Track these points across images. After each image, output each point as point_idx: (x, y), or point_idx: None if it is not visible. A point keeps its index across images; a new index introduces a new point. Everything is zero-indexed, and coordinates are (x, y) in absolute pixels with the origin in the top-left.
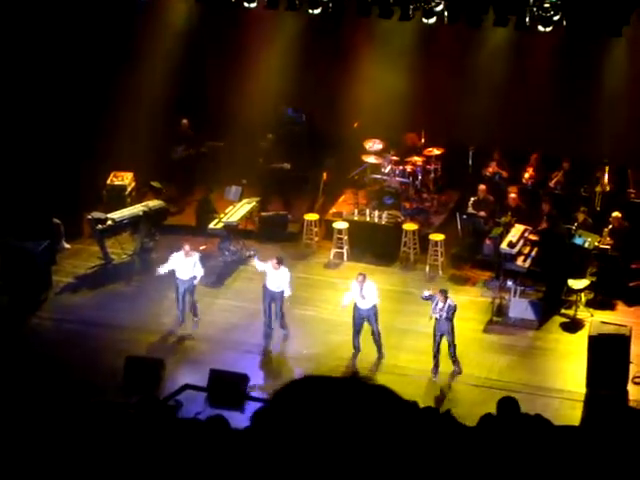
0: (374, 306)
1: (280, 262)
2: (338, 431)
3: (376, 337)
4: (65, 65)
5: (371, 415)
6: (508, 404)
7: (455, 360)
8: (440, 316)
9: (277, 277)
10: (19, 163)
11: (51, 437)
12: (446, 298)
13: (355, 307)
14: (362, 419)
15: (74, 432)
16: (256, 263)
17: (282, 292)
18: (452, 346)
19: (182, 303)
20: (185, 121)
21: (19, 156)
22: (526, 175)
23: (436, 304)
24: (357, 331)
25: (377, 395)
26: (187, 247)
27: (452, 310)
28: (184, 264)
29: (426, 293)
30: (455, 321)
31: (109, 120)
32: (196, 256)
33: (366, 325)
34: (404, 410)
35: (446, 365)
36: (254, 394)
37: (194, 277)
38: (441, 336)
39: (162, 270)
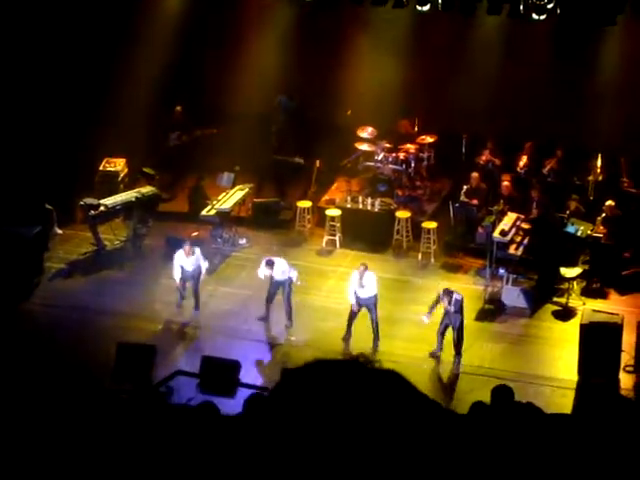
0: (374, 296)
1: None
2: (342, 415)
3: (374, 326)
4: (60, 51)
5: (378, 400)
6: (502, 392)
7: (459, 352)
8: (449, 311)
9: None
10: (12, 149)
11: (42, 423)
12: (451, 295)
13: (354, 294)
14: (369, 404)
15: (65, 418)
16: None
17: (289, 280)
18: (459, 339)
19: (183, 289)
20: (179, 108)
21: (12, 142)
22: (520, 163)
23: (443, 302)
24: (352, 317)
25: (385, 380)
26: (187, 247)
27: (459, 303)
28: (187, 262)
29: (441, 294)
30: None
31: (103, 106)
32: (197, 252)
33: (364, 313)
34: (412, 396)
35: (443, 354)
36: (246, 381)
37: (198, 267)
38: (445, 327)
39: (176, 275)
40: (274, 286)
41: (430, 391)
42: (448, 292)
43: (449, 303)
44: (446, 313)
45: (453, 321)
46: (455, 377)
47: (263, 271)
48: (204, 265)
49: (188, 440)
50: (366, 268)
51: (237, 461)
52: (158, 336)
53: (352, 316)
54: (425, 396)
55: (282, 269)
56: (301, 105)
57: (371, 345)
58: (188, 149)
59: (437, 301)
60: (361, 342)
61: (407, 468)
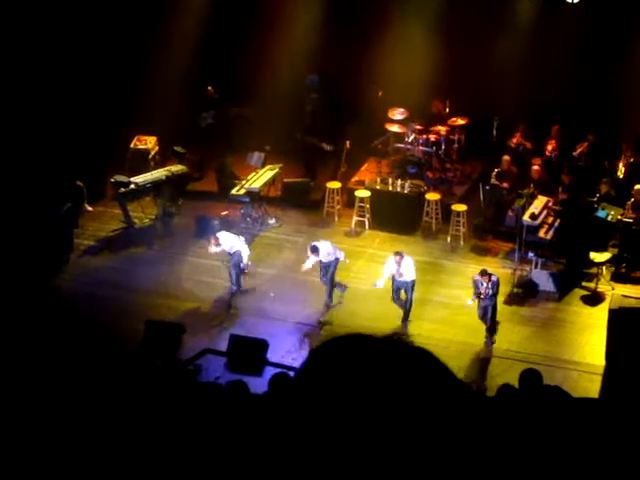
0: (412, 281)
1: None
2: (369, 392)
3: (407, 307)
4: (94, 28)
5: (410, 377)
6: (531, 376)
7: (491, 333)
8: (487, 294)
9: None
10: (43, 126)
11: (73, 399)
12: (490, 276)
13: (393, 279)
14: (396, 381)
15: (96, 393)
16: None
17: (335, 260)
18: (492, 320)
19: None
20: (210, 88)
21: (43, 119)
22: (549, 147)
23: (481, 284)
24: (396, 298)
25: (417, 357)
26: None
27: (496, 285)
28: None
29: (476, 276)
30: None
31: (135, 84)
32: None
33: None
34: (443, 374)
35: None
36: (274, 360)
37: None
38: (485, 308)
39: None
40: (322, 269)
41: (458, 373)
42: (486, 272)
43: (487, 285)
44: (481, 299)
45: (489, 303)
46: (484, 360)
47: (311, 260)
48: (245, 250)
49: (217, 417)
50: (402, 257)
51: (260, 439)
52: (187, 314)
53: (395, 298)
54: (455, 376)
55: (327, 251)
56: (332, 85)
57: (400, 325)
58: (221, 128)
59: (477, 285)
60: (391, 323)
61: (434, 448)
